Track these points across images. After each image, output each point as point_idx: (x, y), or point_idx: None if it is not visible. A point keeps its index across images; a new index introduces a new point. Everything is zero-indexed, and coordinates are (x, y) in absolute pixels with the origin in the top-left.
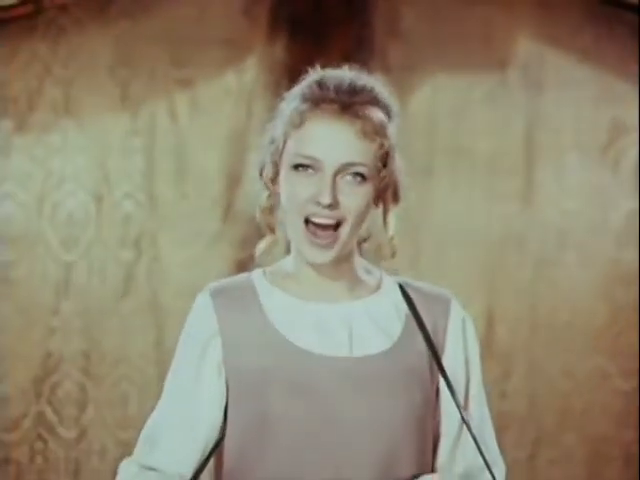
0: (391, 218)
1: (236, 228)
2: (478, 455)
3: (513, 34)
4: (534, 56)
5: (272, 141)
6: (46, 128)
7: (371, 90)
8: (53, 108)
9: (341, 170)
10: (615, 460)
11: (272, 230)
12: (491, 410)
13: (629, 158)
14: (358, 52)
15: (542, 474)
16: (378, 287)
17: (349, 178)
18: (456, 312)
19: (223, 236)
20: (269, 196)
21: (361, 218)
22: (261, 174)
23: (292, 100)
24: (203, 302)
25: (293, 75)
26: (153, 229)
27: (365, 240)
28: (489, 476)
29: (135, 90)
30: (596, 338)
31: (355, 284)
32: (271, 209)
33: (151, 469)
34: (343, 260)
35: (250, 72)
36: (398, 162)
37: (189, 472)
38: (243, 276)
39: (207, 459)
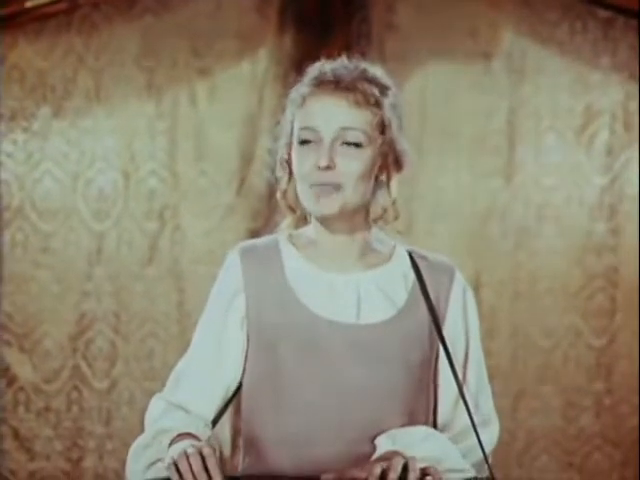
0: (394, 184)
1: (248, 201)
2: (475, 413)
3: (497, 28)
4: (516, 48)
5: (284, 127)
6: (80, 113)
7: (364, 70)
8: (86, 95)
9: (338, 137)
10: (588, 409)
11: (292, 210)
12: None
13: (601, 139)
14: (358, 44)
15: (523, 422)
16: (390, 257)
17: (346, 146)
18: (458, 282)
19: (237, 208)
20: (289, 180)
21: (361, 182)
22: (281, 160)
23: (298, 88)
24: (232, 260)
25: (300, 65)
26: (175, 203)
27: (381, 218)
28: (490, 429)
29: (159, 78)
30: (571, 300)
31: (368, 254)
32: (290, 191)
33: (178, 407)
34: (356, 229)
35: (262, 62)
36: (396, 133)
37: (211, 413)
38: (271, 238)
39: (228, 403)
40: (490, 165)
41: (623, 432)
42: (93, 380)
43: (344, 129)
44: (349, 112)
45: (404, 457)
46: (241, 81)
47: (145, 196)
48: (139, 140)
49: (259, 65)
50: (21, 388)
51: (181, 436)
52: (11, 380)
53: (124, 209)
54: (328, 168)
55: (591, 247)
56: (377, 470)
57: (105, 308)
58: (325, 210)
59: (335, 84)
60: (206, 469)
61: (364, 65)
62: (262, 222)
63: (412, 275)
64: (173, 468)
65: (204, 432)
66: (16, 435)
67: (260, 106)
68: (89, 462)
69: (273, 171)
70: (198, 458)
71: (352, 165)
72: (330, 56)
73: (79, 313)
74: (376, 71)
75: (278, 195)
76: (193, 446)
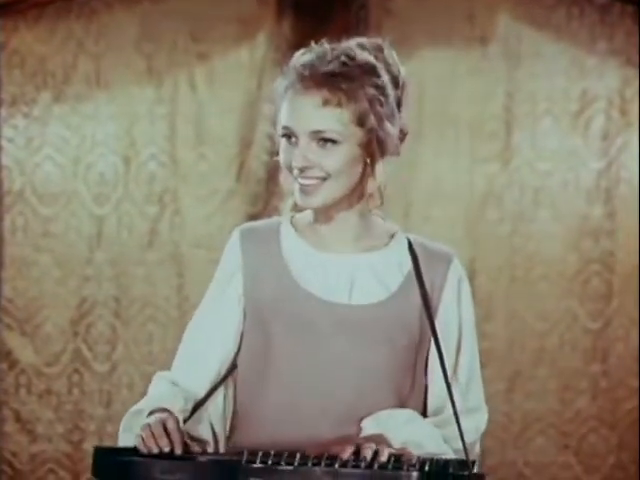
0: (378, 169)
1: (248, 186)
2: (465, 400)
3: (494, 13)
4: (513, 33)
5: (276, 117)
6: (80, 98)
7: (339, 60)
8: (86, 80)
9: (312, 137)
10: (584, 392)
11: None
12: None
13: (597, 124)
14: (356, 30)
15: (520, 405)
16: (388, 242)
17: (322, 143)
18: (454, 272)
19: (236, 193)
20: None
21: (343, 175)
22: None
23: (280, 80)
24: (234, 240)
25: (298, 51)
26: (175, 187)
27: (367, 202)
28: (477, 417)
29: (159, 63)
30: (567, 284)
31: (365, 238)
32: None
33: (170, 382)
34: (349, 213)
35: (260, 48)
36: (376, 121)
37: (201, 389)
38: (274, 219)
39: (221, 381)
40: (487, 150)
41: (619, 415)
42: (94, 363)
43: (316, 132)
44: (320, 112)
45: (375, 446)
46: (240, 66)
47: (145, 180)
48: (139, 125)
49: (258, 50)
50: (22, 371)
51: (153, 412)
52: (13, 363)
53: (124, 193)
54: (305, 167)
55: (587, 231)
56: (349, 449)
57: (105, 292)
58: (309, 203)
59: (309, 80)
60: (168, 435)
61: (345, 52)
62: (261, 206)
63: (409, 262)
64: (140, 439)
65: (177, 403)
66: (18, 418)
67: (259, 91)
68: (90, 444)
69: (272, 155)
70: (159, 425)
71: (330, 161)
72: (328, 42)
73: (80, 297)
74: (358, 55)
75: (281, 179)
76: (156, 417)
